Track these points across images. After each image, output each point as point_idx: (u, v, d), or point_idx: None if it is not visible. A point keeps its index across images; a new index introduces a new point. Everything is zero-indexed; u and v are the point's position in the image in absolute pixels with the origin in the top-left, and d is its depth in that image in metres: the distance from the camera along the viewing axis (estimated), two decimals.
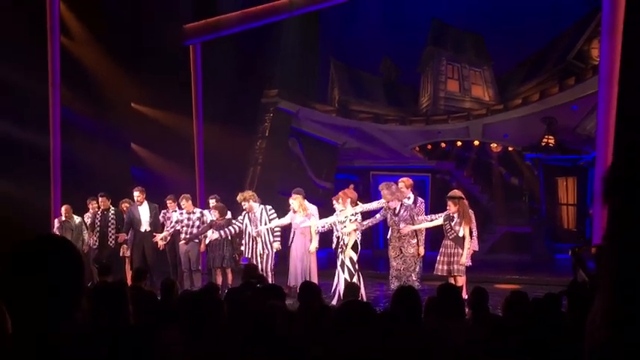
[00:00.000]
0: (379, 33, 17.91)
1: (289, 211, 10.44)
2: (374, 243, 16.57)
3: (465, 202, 9.41)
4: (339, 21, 18.43)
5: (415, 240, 9.75)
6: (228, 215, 10.90)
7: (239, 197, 10.52)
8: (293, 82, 17.97)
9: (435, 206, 17.11)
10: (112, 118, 15.15)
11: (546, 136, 16.29)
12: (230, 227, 10.43)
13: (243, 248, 10.55)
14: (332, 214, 9.80)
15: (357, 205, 9.81)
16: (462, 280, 9.05)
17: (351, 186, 10.64)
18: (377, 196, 17.96)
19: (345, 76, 19.22)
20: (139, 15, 15.25)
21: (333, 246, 9.62)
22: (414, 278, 9.60)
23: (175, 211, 11.30)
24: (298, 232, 10.32)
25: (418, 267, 9.78)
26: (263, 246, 10.31)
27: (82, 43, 14.88)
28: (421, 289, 9.48)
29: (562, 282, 7.86)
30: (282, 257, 10.95)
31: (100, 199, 11.68)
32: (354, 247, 9.28)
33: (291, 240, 10.51)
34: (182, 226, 11.05)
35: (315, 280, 9.70)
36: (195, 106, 15.43)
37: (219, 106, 16.12)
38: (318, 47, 19.05)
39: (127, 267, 11.62)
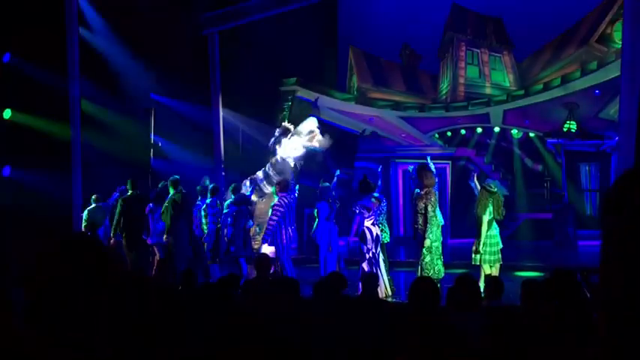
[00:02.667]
0: (398, 19, 17.76)
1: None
2: (393, 230, 16.51)
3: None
4: (357, 7, 18.31)
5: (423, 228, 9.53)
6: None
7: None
8: (312, 70, 17.91)
9: (455, 193, 17.04)
10: (131, 108, 15.22)
11: (568, 122, 16.10)
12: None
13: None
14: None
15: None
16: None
17: None
18: (397, 184, 18.04)
19: (364, 63, 19.11)
20: (157, 4, 15.26)
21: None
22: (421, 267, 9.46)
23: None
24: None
25: (429, 257, 9.47)
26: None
27: (101, 34, 14.94)
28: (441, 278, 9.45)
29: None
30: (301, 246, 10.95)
31: (128, 185, 11.73)
32: (363, 237, 9.31)
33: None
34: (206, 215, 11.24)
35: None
36: (214, 95, 15.45)
37: (238, 94, 16.13)
38: (336, 34, 18.94)
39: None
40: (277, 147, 11.68)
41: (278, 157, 11.67)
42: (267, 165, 11.79)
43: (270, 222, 9.88)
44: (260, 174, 11.94)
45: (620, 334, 1.15)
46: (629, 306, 1.15)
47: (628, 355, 1.13)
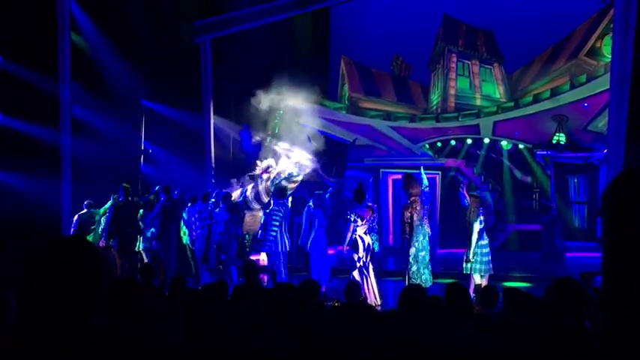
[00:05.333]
0: (390, 29, 17.85)
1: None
2: (383, 240, 16.53)
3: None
4: (349, 17, 18.39)
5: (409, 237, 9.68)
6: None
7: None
8: (303, 78, 17.94)
9: (444, 203, 17.10)
10: (122, 114, 15.19)
11: (557, 134, 16.21)
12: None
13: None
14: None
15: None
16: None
17: None
18: (387, 194, 18.07)
19: (356, 73, 19.17)
20: (150, 11, 15.27)
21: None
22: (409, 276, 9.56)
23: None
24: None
25: (416, 266, 9.54)
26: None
27: (93, 39, 14.91)
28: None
29: None
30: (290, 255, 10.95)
31: (122, 189, 11.66)
32: (355, 246, 9.31)
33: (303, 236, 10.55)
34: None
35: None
36: (206, 102, 15.46)
37: (230, 102, 16.14)
38: (328, 44, 19.00)
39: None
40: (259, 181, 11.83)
41: (268, 183, 11.75)
42: (257, 187, 11.85)
43: (272, 230, 9.86)
44: (250, 192, 11.95)
45: (622, 333, 1.16)
46: (632, 302, 1.16)
47: (631, 353, 1.14)
